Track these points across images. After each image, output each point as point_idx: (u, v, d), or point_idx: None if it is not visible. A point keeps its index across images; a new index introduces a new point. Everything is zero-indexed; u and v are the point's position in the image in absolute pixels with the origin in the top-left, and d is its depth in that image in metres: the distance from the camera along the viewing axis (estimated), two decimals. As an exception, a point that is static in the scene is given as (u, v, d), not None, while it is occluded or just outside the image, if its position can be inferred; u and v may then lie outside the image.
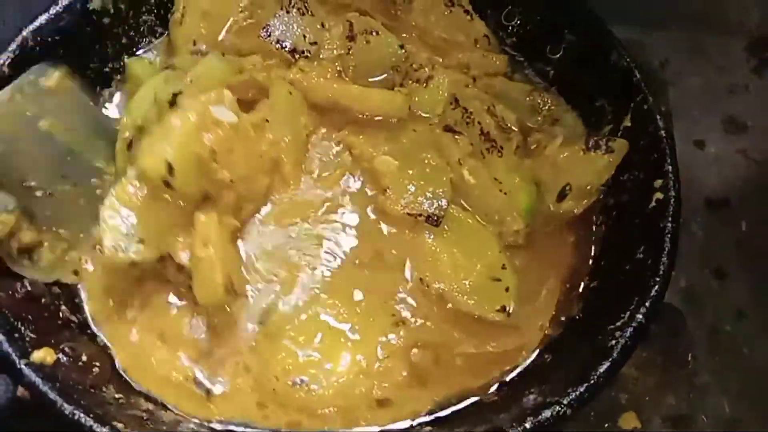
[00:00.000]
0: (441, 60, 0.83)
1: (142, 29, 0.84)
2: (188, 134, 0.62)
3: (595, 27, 0.81)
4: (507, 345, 0.68)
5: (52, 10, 0.76)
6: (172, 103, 0.66)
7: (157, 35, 0.85)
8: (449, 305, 0.68)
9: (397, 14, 0.85)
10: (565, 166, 0.74)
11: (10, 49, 0.73)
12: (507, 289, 0.68)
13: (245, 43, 0.79)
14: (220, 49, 0.78)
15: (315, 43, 0.79)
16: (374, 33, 0.78)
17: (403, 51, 0.79)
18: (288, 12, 0.80)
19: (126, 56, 0.83)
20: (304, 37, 0.79)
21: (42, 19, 0.76)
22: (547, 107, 0.79)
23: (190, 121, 0.62)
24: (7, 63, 0.72)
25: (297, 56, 0.78)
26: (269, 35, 0.79)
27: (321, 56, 0.80)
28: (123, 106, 0.80)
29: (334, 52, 0.80)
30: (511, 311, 0.67)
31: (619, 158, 0.73)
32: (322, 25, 0.81)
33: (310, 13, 0.81)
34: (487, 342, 0.67)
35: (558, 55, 0.84)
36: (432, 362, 0.66)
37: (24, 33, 0.74)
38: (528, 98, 0.80)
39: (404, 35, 0.83)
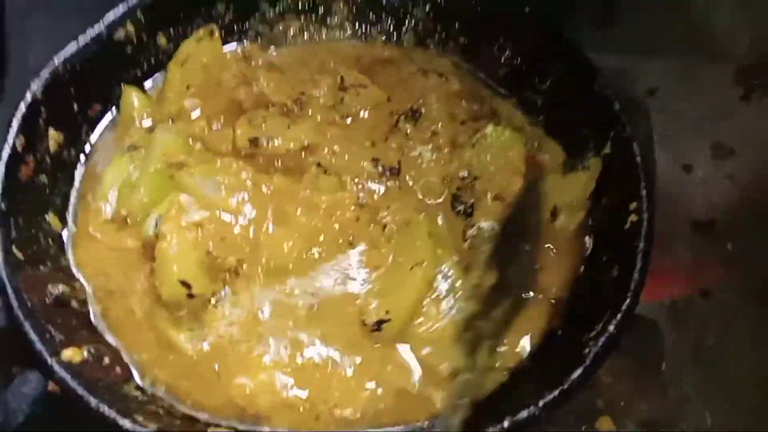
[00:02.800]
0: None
1: (161, 57, 0.91)
2: (182, 252, 0.70)
3: (579, 60, 0.86)
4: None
5: (81, 40, 0.82)
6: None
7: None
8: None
9: (381, 79, 0.91)
10: (550, 192, 0.80)
11: (42, 76, 0.79)
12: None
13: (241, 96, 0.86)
14: (216, 96, 0.86)
15: (303, 93, 0.86)
16: (363, 86, 0.86)
17: (389, 101, 0.86)
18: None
19: (147, 82, 0.91)
20: (292, 88, 0.85)
21: (71, 48, 0.82)
22: (531, 143, 0.85)
23: (173, 242, 0.70)
24: (39, 89, 0.78)
25: (291, 107, 0.84)
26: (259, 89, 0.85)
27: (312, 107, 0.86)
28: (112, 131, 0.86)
29: (328, 101, 0.86)
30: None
31: (596, 173, 0.79)
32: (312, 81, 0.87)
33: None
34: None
35: (546, 86, 0.89)
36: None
37: (55, 61, 0.80)
38: None
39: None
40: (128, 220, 0.77)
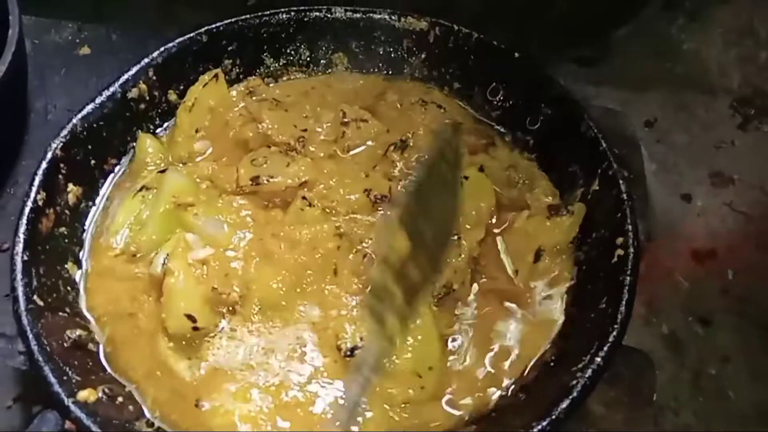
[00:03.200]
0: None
1: (173, 111, 0.97)
2: (188, 287, 0.75)
3: (568, 102, 0.90)
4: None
5: (98, 100, 0.88)
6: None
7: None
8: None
9: (379, 111, 0.96)
10: (534, 234, 0.83)
11: (62, 134, 0.84)
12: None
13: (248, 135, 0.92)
14: (224, 137, 0.92)
15: (305, 130, 0.91)
16: (364, 120, 0.91)
17: (388, 132, 0.91)
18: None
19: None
20: (295, 126, 0.91)
21: (89, 107, 0.88)
22: (522, 181, 0.89)
23: (180, 278, 0.75)
24: (59, 146, 0.84)
25: (294, 145, 0.89)
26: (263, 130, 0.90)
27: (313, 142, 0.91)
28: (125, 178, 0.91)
29: (329, 136, 0.91)
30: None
31: (580, 218, 0.82)
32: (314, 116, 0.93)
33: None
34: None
35: (536, 126, 0.93)
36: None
37: (74, 120, 0.86)
38: (506, 172, 0.90)
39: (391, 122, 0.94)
40: (137, 255, 0.82)
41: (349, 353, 0.73)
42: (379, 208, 0.84)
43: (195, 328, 0.74)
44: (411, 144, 0.89)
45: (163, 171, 0.88)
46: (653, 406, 0.81)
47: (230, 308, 0.77)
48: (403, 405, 0.72)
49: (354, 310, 0.76)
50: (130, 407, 0.71)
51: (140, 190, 0.87)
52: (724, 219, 1.05)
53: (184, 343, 0.75)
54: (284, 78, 1.03)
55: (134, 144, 0.93)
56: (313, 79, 1.03)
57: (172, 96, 0.96)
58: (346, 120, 0.92)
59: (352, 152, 0.91)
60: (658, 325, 0.92)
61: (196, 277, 0.76)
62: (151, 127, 0.96)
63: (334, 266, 0.79)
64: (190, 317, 0.73)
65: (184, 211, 0.81)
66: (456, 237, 0.79)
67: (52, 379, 0.66)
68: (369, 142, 0.92)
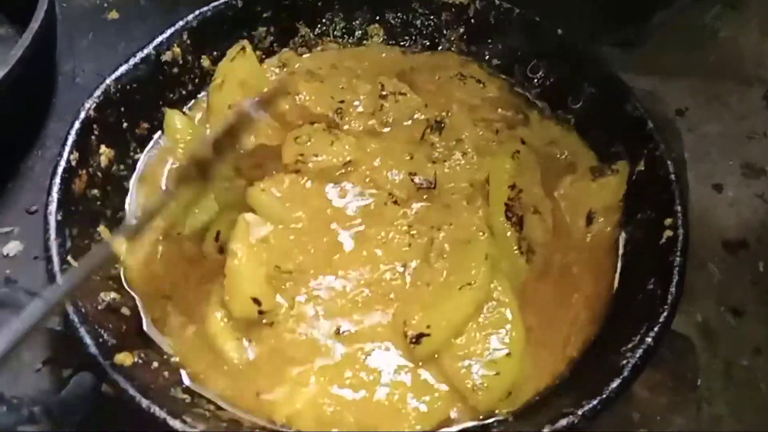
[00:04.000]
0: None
1: (204, 78, 0.95)
2: (252, 269, 0.72)
3: (612, 80, 0.89)
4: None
5: (131, 61, 0.86)
6: (220, 251, 0.75)
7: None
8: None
9: (417, 83, 0.94)
10: (581, 197, 0.82)
11: (95, 95, 0.82)
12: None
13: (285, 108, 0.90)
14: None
15: (342, 101, 0.89)
16: (402, 94, 0.89)
17: (426, 107, 0.90)
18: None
19: (190, 101, 0.94)
20: (332, 97, 0.89)
21: (122, 68, 0.85)
22: (564, 155, 0.87)
23: (243, 260, 0.72)
24: (92, 107, 0.81)
25: (333, 117, 0.88)
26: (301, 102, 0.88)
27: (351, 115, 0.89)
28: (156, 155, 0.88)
29: (367, 108, 0.90)
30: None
31: (625, 176, 0.82)
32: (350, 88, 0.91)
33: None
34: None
35: (578, 105, 0.92)
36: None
37: (107, 81, 0.84)
38: (547, 147, 0.88)
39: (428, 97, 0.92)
40: (180, 233, 0.79)
41: (414, 340, 0.71)
42: (424, 195, 0.82)
43: (260, 312, 0.71)
44: (447, 123, 0.87)
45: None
46: (697, 391, 0.79)
47: (289, 287, 0.74)
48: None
49: (425, 297, 0.74)
50: (166, 373, 0.70)
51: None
52: (756, 210, 1.03)
53: (243, 324, 0.72)
54: (318, 48, 1.01)
55: (165, 109, 0.91)
56: (346, 50, 1.01)
57: (205, 62, 0.94)
58: (384, 93, 0.90)
59: (390, 129, 0.89)
60: (693, 313, 0.91)
61: (258, 258, 0.73)
62: (183, 92, 0.93)
63: (405, 252, 0.78)
64: (256, 301, 0.71)
65: (249, 189, 0.79)
66: None
67: (89, 341, 0.64)
68: (408, 119, 0.90)
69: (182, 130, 0.89)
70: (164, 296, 0.76)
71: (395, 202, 0.82)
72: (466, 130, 0.88)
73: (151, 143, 0.89)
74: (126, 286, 0.77)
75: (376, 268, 0.76)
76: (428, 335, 0.70)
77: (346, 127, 0.88)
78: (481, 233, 0.77)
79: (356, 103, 0.90)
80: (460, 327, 0.71)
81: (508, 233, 0.78)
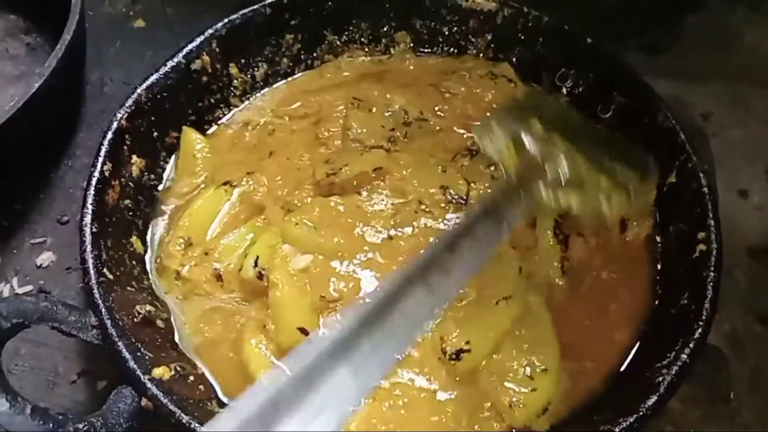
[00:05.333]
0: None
1: (232, 86, 0.95)
2: (295, 299, 0.72)
3: (643, 90, 0.88)
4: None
5: (162, 70, 0.87)
6: (259, 276, 0.75)
7: (247, 92, 0.97)
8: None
9: (449, 86, 0.94)
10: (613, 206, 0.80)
11: (127, 104, 0.82)
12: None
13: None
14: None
15: (393, 129, 0.89)
16: (425, 120, 0.90)
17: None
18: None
19: (218, 110, 0.95)
20: (383, 126, 0.89)
21: (153, 77, 0.86)
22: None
23: (285, 291, 0.72)
24: (124, 117, 0.82)
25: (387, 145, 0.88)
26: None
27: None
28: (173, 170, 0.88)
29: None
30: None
31: (656, 179, 0.80)
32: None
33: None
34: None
35: (608, 115, 0.91)
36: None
37: (138, 90, 0.84)
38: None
39: (458, 111, 0.92)
40: (212, 255, 0.79)
41: (454, 356, 0.71)
42: (452, 211, 0.81)
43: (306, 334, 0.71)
44: (478, 151, 0.86)
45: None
46: (730, 404, 0.79)
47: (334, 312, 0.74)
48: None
49: (458, 312, 0.73)
50: (201, 387, 0.70)
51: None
52: (781, 216, 1.02)
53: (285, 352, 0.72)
54: (345, 56, 1.01)
55: (197, 118, 0.91)
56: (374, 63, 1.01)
57: (234, 69, 0.94)
58: (408, 120, 0.91)
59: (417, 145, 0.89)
60: (721, 322, 0.90)
61: (300, 288, 0.73)
62: (212, 100, 0.94)
63: None
64: (303, 330, 0.71)
65: (283, 223, 0.78)
66: None
67: (127, 355, 0.65)
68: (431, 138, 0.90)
69: (201, 149, 0.89)
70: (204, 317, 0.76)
71: (426, 211, 0.81)
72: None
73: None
74: (161, 295, 0.77)
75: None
76: (468, 351, 0.70)
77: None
78: (511, 247, 0.76)
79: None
80: (498, 342, 0.71)
81: (553, 251, 0.78)
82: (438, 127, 0.91)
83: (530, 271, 0.76)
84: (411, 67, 1.00)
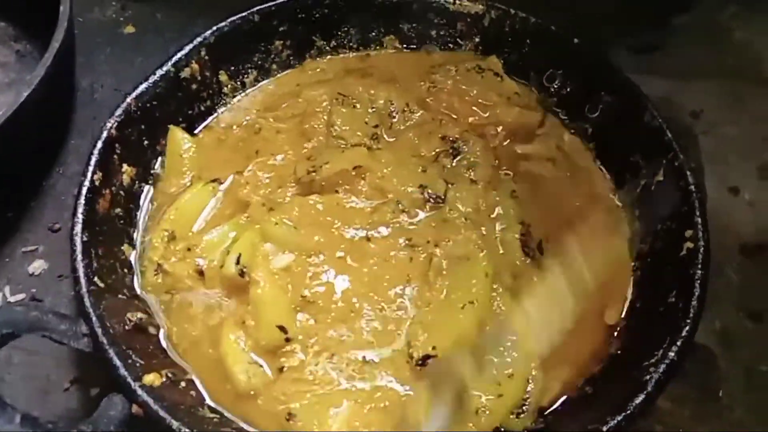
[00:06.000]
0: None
1: (222, 92, 0.96)
2: (275, 298, 0.73)
3: (630, 90, 0.88)
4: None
5: (151, 79, 0.87)
6: (241, 274, 0.75)
7: (234, 96, 0.97)
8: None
9: (435, 80, 0.95)
10: None
11: (116, 114, 0.83)
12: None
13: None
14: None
15: (377, 126, 0.90)
16: (411, 112, 0.91)
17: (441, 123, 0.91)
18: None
19: (208, 117, 0.95)
20: (366, 122, 0.90)
21: (142, 86, 0.86)
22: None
23: (266, 289, 0.73)
24: (114, 126, 0.82)
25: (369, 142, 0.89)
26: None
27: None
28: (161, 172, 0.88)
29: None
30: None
31: None
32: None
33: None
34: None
35: (596, 115, 0.92)
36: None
37: (128, 99, 0.85)
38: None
39: (443, 105, 0.93)
40: (194, 251, 0.79)
41: (420, 362, 0.71)
42: (431, 209, 0.82)
43: (287, 339, 0.72)
44: (464, 149, 0.87)
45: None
46: (720, 402, 0.80)
47: (311, 312, 0.75)
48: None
49: (425, 317, 0.74)
50: (192, 393, 0.71)
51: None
52: (773, 213, 1.02)
53: (264, 349, 0.73)
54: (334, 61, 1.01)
55: (187, 125, 0.92)
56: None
57: (223, 77, 0.95)
58: (393, 112, 0.92)
59: (397, 140, 0.90)
60: (711, 320, 0.91)
61: (281, 286, 0.74)
62: (201, 107, 0.94)
63: (407, 276, 0.77)
64: (282, 329, 0.72)
65: (263, 222, 0.79)
66: None
67: (118, 363, 0.65)
68: (416, 132, 0.91)
69: (188, 149, 0.89)
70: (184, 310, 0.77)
71: (403, 211, 0.82)
72: (479, 156, 0.88)
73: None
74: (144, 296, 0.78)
75: (382, 289, 0.77)
76: (435, 356, 0.71)
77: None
78: (480, 251, 0.77)
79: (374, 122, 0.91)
80: (464, 344, 0.71)
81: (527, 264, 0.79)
82: (423, 120, 0.92)
83: (498, 274, 0.76)
84: (396, 62, 1.00)
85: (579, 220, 0.83)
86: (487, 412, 0.69)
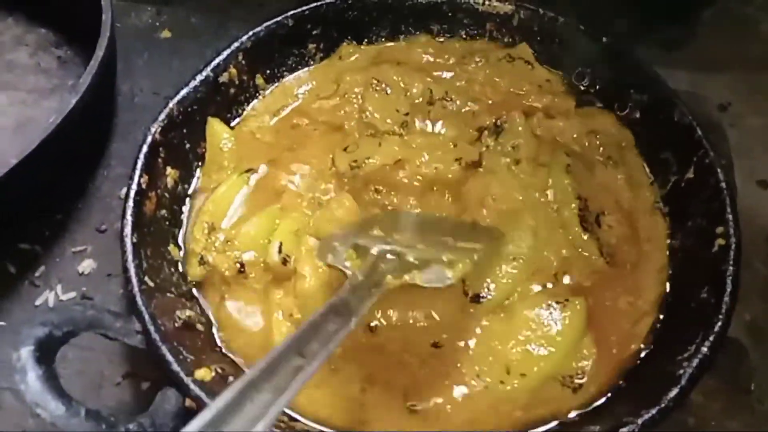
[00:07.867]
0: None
1: (258, 95, 0.98)
2: (320, 290, 0.76)
3: (660, 88, 0.90)
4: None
5: (191, 84, 0.89)
6: (284, 262, 0.78)
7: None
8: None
9: (467, 69, 0.97)
10: None
11: (160, 118, 0.85)
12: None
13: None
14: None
15: (408, 114, 0.93)
16: (449, 99, 0.93)
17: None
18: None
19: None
20: (397, 110, 0.92)
21: (183, 91, 0.89)
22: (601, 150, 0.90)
23: (312, 282, 0.77)
24: (158, 131, 0.85)
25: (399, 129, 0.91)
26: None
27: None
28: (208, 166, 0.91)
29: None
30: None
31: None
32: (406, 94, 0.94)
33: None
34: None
35: (626, 112, 0.93)
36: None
37: (170, 104, 0.87)
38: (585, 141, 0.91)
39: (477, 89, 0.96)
40: (233, 244, 0.82)
41: (475, 299, 0.76)
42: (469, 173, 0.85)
43: None
44: (506, 127, 0.89)
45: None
46: (751, 395, 0.81)
47: None
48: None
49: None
50: (241, 387, 0.73)
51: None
52: (802, 206, 1.03)
53: None
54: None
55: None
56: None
57: (259, 80, 0.98)
58: (432, 99, 0.94)
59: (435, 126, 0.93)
60: (741, 313, 0.92)
61: (327, 280, 0.77)
62: (240, 110, 0.97)
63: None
64: None
65: (315, 219, 0.82)
66: None
67: (171, 359, 0.69)
68: (453, 119, 0.93)
69: (227, 139, 0.92)
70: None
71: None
72: (521, 137, 0.89)
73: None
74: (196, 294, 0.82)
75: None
76: (486, 297, 0.76)
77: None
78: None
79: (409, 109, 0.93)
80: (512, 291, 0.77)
81: (589, 242, 0.81)
82: (459, 109, 0.94)
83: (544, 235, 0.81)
84: (430, 49, 1.02)
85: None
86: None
